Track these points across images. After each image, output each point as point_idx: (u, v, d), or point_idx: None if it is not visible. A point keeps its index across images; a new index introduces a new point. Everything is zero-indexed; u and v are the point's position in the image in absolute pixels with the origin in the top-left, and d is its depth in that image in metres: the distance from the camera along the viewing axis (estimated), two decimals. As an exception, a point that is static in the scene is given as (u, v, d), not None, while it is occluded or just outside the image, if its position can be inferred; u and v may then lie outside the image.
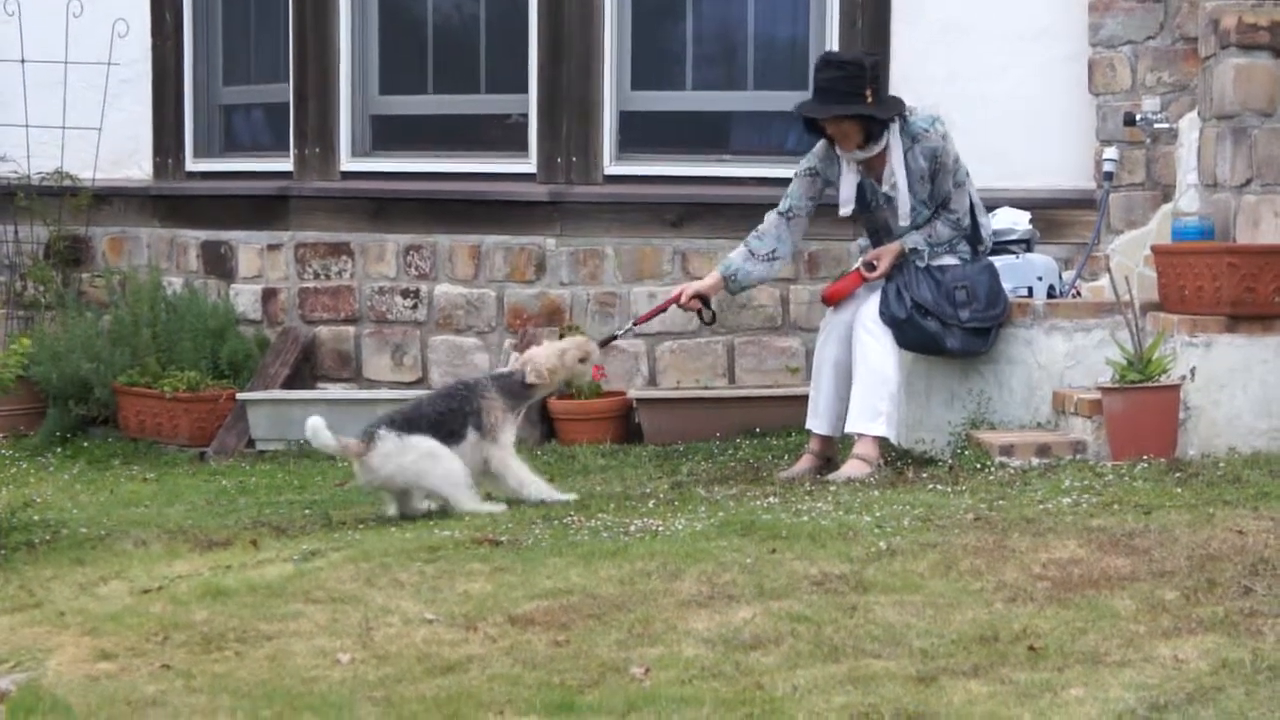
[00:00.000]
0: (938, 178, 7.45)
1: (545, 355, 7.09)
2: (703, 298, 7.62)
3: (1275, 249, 7.22)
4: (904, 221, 7.45)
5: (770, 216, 7.62)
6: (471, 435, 6.89)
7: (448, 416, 6.88)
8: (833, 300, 7.62)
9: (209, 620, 5.41)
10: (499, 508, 6.77)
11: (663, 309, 7.88)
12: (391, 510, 6.89)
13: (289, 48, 9.76)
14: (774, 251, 7.59)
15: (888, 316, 7.41)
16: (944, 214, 7.51)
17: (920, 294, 7.41)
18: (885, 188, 7.44)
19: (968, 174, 7.57)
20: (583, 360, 7.18)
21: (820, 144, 7.58)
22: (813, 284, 8.74)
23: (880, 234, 7.60)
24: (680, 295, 7.63)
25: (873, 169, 7.49)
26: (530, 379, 7.02)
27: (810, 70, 8.95)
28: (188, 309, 9.62)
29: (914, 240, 7.48)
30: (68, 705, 4.71)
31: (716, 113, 9.51)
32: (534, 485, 6.96)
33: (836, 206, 7.57)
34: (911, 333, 7.43)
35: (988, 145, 8.79)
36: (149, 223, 10.39)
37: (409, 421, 6.85)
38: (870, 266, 7.51)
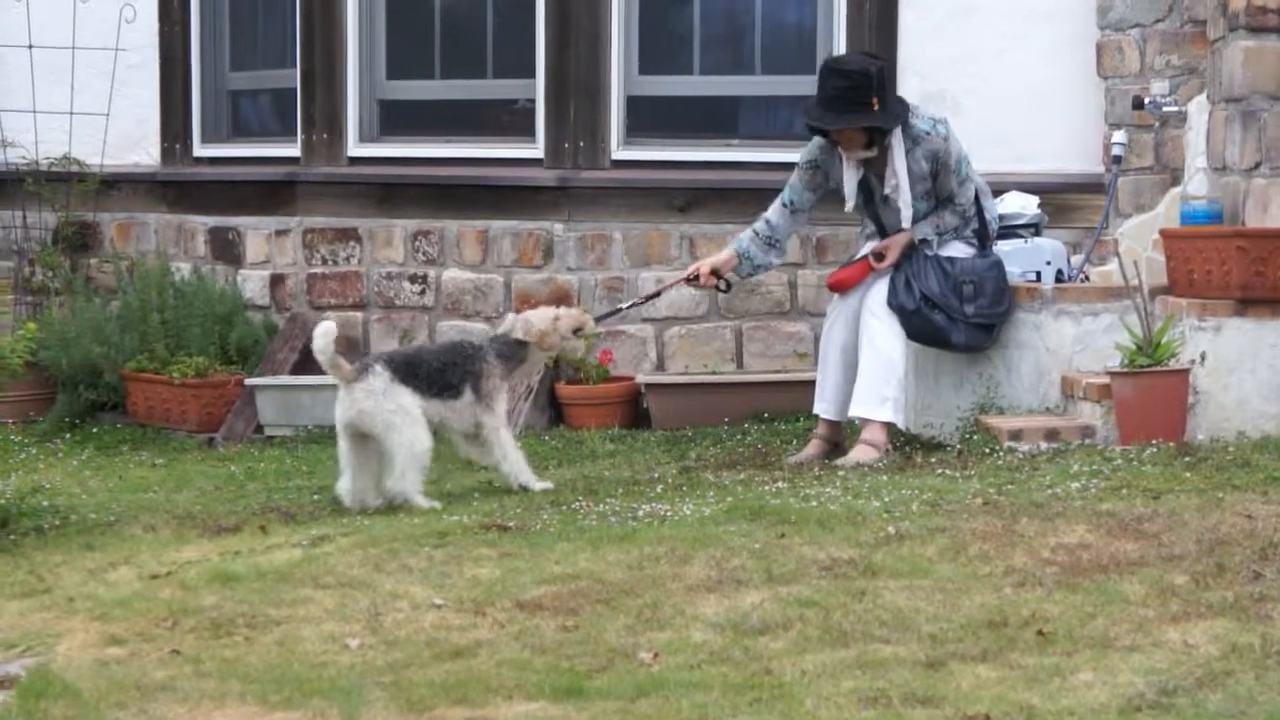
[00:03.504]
0: (939, 177, 7.49)
1: (538, 316, 7.11)
2: (717, 273, 7.66)
3: (1284, 233, 7.21)
4: (905, 224, 7.49)
5: (775, 204, 7.66)
6: (468, 395, 6.91)
7: (448, 370, 6.90)
8: (839, 288, 7.63)
9: (218, 605, 5.42)
10: (434, 504, 6.72)
11: (673, 286, 7.99)
12: (342, 483, 6.83)
13: (296, 33, 9.75)
14: (775, 238, 7.65)
15: (896, 306, 7.44)
16: (950, 205, 7.53)
17: (929, 286, 7.42)
18: (887, 189, 7.46)
19: (970, 165, 7.57)
20: (576, 331, 7.15)
21: (819, 137, 7.60)
22: (821, 269, 8.72)
23: (882, 227, 7.62)
24: (697, 274, 7.66)
25: (874, 166, 7.50)
26: (518, 334, 7.01)
27: (816, 60, 9.00)
28: (196, 295, 9.62)
29: (923, 230, 7.50)
30: (77, 690, 4.72)
31: (724, 97, 9.49)
32: (517, 464, 6.96)
33: (842, 196, 7.61)
34: (919, 324, 7.45)
35: (996, 129, 8.78)
36: (157, 208, 10.39)
37: (409, 365, 6.86)
38: (879, 257, 7.52)
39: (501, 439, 6.96)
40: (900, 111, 7.44)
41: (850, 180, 7.51)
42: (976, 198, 7.60)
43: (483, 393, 6.92)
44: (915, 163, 7.43)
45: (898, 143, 7.41)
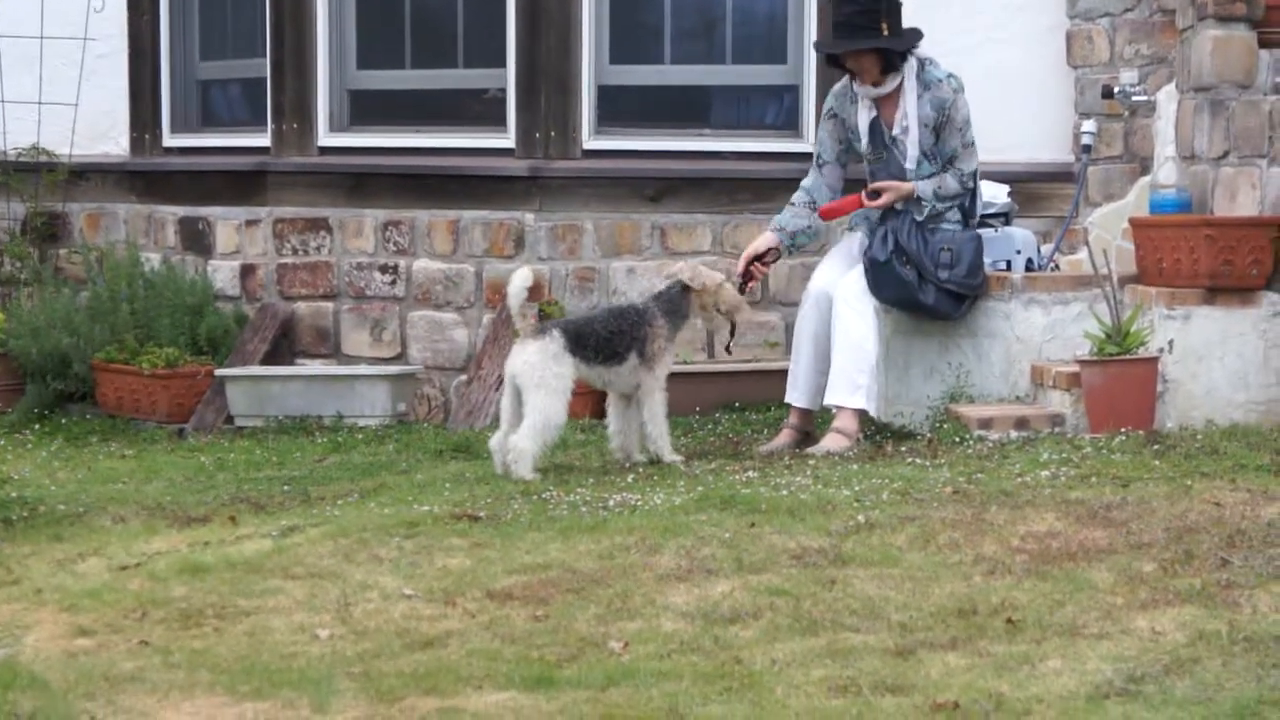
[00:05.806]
0: (943, 131, 7.49)
1: (708, 271, 7.32)
2: (761, 259, 7.65)
3: (1252, 221, 7.24)
4: (909, 164, 7.50)
5: (809, 173, 7.74)
6: (632, 359, 7.13)
7: (615, 339, 7.12)
8: (829, 217, 7.67)
9: (187, 596, 5.41)
10: (535, 476, 6.84)
11: (748, 275, 7.76)
12: (495, 439, 7.00)
13: (266, 22, 9.72)
14: (813, 200, 7.68)
15: (868, 259, 7.45)
16: (952, 169, 7.53)
17: (906, 240, 7.44)
18: (896, 130, 7.49)
19: (974, 145, 7.59)
20: (727, 311, 7.34)
21: (837, 85, 7.68)
22: (791, 259, 8.70)
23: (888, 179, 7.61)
24: (744, 268, 7.60)
25: (885, 111, 7.52)
26: (684, 277, 7.22)
27: (787, 50, 9.03)
28: (166, 285, 9.59)
29: (923, 188, 7.50)
30: (45, 681, 4.71)
31: (695, 87, 9.48)
32: (660, 432, 7.16)
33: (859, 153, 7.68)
34: (888, 281, 7.43)
35: (966, 118, 8.78)
36: (126, 198, 10.35)
37: (579, 336, 7.06)
38: (874, 195, 7.52)
39: (653, 402, 7.15)
40: (912, 39, 7.50)
41: (864, 119, 7.55)
42: (973, 175, 7.62)
43: (647, 355, 7.15)
44: (922, 108, 7.48)
45: (911, 84, 7.48)
